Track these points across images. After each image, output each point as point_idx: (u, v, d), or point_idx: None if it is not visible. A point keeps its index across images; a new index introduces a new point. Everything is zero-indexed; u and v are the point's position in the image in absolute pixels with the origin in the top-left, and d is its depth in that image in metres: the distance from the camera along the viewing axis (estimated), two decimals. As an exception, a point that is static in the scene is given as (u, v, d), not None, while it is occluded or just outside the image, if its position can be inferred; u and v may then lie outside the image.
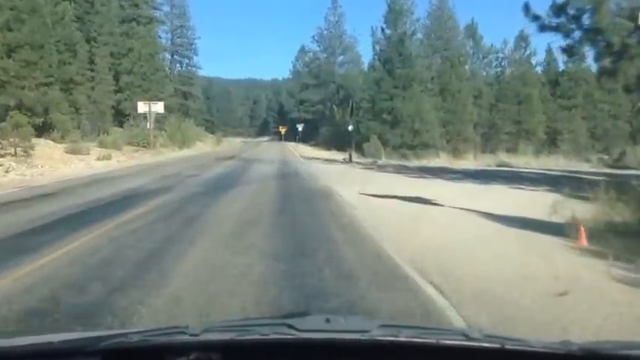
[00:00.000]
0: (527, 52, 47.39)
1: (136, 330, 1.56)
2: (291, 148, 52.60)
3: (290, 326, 1.42)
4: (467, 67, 46.27)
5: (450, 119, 39.63)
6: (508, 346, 1.40)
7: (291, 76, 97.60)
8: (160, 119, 44.64)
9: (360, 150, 41.08)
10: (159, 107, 39.62)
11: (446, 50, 55.57)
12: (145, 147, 35.57)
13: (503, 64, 49.38)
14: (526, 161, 32.67)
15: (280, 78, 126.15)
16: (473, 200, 12.01)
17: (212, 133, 78.72)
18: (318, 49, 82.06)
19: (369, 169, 23.90)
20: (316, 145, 64.06)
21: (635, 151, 34.28)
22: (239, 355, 1.39)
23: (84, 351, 1.38)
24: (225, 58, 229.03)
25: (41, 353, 1.42)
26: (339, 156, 35.86)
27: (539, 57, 67.13)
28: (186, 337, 1.40)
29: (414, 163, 32.28)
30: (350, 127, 30.15)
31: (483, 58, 49.25)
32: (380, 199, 12.11)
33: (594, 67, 64.25)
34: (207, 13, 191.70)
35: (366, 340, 1.40)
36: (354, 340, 1.40)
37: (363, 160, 34.97)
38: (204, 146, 53.47)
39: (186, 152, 39.28)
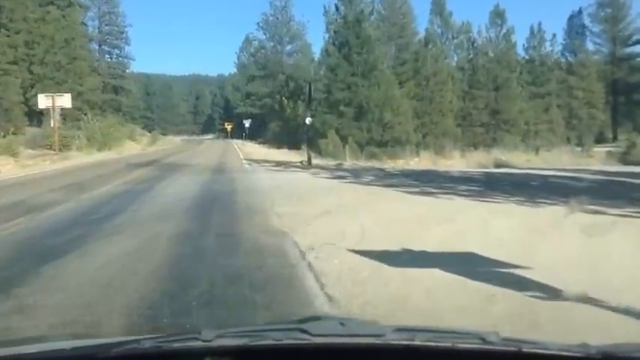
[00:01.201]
0: (504, 29, 41.19)
1: (148, 336, 1.50)
2: (236, 147, 45.08)
3: (304, 331, 1.39)
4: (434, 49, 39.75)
5: (426, 109, 32.93)
6: (525, 350, 1.36)
7: (237, 70, 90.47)
8: (78, 116, 38.55)
9: (315, 148, 34.27)
10: (65, 101, 31.57)
11: (401, 38, 49.59)
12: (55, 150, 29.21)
13: (476, 44, 43.28)
14: (526, 159, 26.34)
15: (227, 73, 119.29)
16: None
17: (150, 131, 72.49)
18: (263, 37, 74.86)
19: (340, 178, 16.67)
20: (265, 142, 57.70)
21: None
22: (253, 359, 1.34)
23: (95, 358, 1.33)
24: (169, 53, 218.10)
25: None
26: (293, 156, 28.68)
27: (519, 37, 61.75)
28: (198, 344, 1.36)
29: (390, 165, 25.36)
30: (308, 120, 22.88)
31: (453, 38, 42.95)
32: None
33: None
34: (146, 4, 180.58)
35: (381, 345, 1.37)
36: (369, 345, 1.37)
37: (323, 161, 27.80)
38: (135, 147, 46.07)
39: (102, 156, 31.52)
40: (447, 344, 1.39)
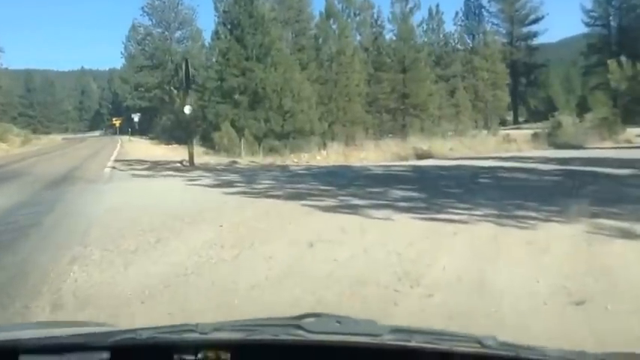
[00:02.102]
0: (410, 4, 37.86)
1: (145, 327, 1.50)
2: (117, 146, 38.87)
3: (300, 327, 1.39)
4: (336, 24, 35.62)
5: (330, 93, 28.73)
6: (522, 355, 1.35)
7: (125, 61, 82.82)
8: None
9: (209, 143, 29.38)
10: None
11: (297, 22, 45.58)
12: None
13: (380, 22, 39.88)
14: (449, 147, 22.81)
15: (119, 66, 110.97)
16: None
17: (34, 131, 67.07)
18: (150, 23, 68.01)
19: (227, 185, 12.00)
20: (155, 137, 51.80)
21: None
22: (248, 354, 1.34)
23: (92, 347, 1.33)
24: (55, 48, 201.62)
25: (48, 348, 1.33)
26: (179, 154, 23.48)
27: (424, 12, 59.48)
28: (195, 336, 1.37)
29: (294, 160, 20.93)
30: (187, 109, 17.91)
31: (355, 15, 39.14)
32: None
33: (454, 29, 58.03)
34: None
35: (377, 345, 1.35)
36: (365, 344, 1.37)
37: (215, 158, 22.93)
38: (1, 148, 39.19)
39: None
40: (444, 347, 1.36)
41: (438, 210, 8.10)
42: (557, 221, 7.10)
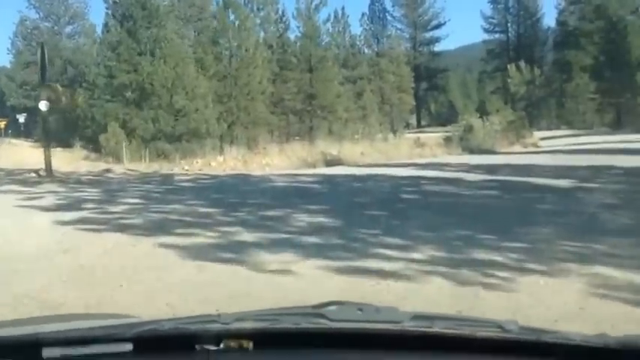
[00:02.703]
0: (316, 0, 35.27)
1: (167, 318, 1.55)
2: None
3: (322, 316, 1.38)
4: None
5: (230, 91, 25.52)
6: (544, 339, 1.33)
7: (13, 57, 74.80)
8: None
9: (97, 146, 25.47)
10: None
11: (200, 21, 42.18)
12: None
13: (285, 19, 37.11)
14: (360, 152, 20.33)
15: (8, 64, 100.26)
16: None
17: None
18: (37, 16, 61.28)
19: (74, 207, 8.75)
20: (39, 140, 46.09)
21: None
22: (270, 343, 1.31)
23: (115, 338, 1.30)
24: None
25: (70, 340, 1.30)
26: (56, 159, 19.41)
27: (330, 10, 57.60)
28: (217, 326, 1.35)
29: (184, 168, 17.66)
30: (42, 105, 14.24)
31: (259, 10, 36.11)
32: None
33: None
34: None
35: (398, 331, 1.34)
36: (386, 331, 1.35)
37: (91, 165, 19.24)
38: None
39: None
40: (465, 332, 1.34)
41: (360, 251, 5.42)
42: (538, 272, 4.64)
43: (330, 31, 39.46)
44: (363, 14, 58.09)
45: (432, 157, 20.22)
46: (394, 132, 50.81)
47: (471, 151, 21.90)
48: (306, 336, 1.34)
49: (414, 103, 58.37)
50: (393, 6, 62.73)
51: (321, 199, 9.24)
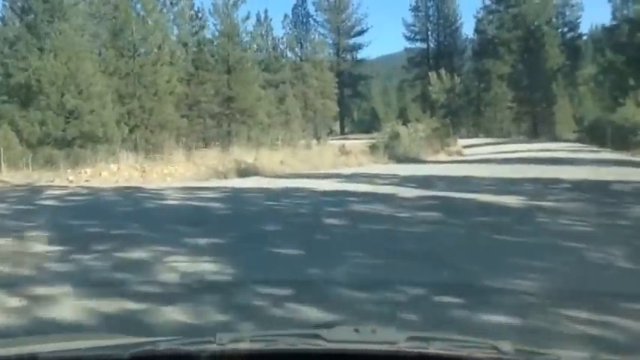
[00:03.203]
0: (235, -3, 32.67)
1: (163, 339, 1.54)
2: None
3: (318, 336, 1.36)
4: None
5: (133, 90, 22.40)
6: None
7: None
8: None
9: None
10: None
11: (115, 19, 38.51)
12: None
13: (202, 15, 34.31)
14: (280, 160, 17.89)
15: None
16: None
17: None
18: None
19: None
20: None
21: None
22: None
23: (111, 359, 1.33)
24: None
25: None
26: None
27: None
28: (213, 347, 1.34)
29: (67, 178, 14.58)
30: None
31: (172, 4, 33.14)
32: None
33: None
34: None
35: (394, 352, 1.31)
36: (382, 352, 1.33)
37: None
38: None
39: None
40: (462, 353, 1.32)
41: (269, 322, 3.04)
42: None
43: (250, 30, 36.83)
44: (285, 16, 56.11)
45: (358, 166, 18.20)
46: (318, 138, 49.09)
47: (398, 160, 20.09)
48: (302, 357, 1.33)
49: (338, 110, 56.88)
50: (316, 10, 61.09)
51: (216, 228, 6.80)
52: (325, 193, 10.37)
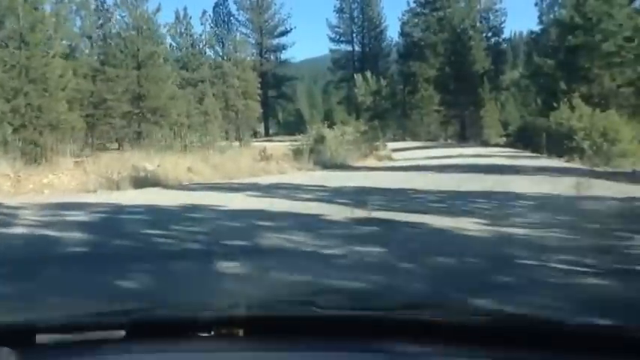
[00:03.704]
0: (147, -12, 29.37)
1: (161, 305, 1.52)
2: None
3: (313, 303, 1.39)
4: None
5: (19, 85, 18.81)
6: (538, 326, 1.32)
7: None
8: None
9: None
10: None
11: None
12: None
13: (107, 6, 30.72)
14: (187, 167, 15.06)
15: None
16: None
17: None
18: None
19: None
20: None
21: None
22: (262, 330, 1.31)
23: (108, 324, 1.29)
24: None
25: (65, 327, 1.28)
26: None
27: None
28: (210, 313, 1.36)
29: None
30: None
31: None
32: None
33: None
34: None
35: (389, 318, 1.33)
36: (375, 317, 1.34)
37: None
38: None
39: None
40: (456, 320, 1.34)
41: None
42: None
43: (163, 23, 33.51)
44: (204, 12, 52.88)
45: (280, 173, 15.76)
46: (240, 140, 46.32)
47: (324, 166, 17.83)
48: (296, 323, 1.32)
49: (262, 111, 54.22)
50: (238, 10, 58.24)
51: (53, 281, 4.19)
52: (232, 214, 7.88)
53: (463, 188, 10.71)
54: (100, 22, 31.51)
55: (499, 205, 8.63)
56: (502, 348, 1.20)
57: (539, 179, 12.39)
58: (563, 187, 10.63)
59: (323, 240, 6.05)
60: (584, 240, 6.01)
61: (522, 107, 49.58)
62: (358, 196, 9.72)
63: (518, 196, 9.46)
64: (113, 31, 31.78)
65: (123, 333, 1.24)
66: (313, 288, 2.64)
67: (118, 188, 12.58)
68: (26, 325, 1.31)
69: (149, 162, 15.67)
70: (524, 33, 75.60)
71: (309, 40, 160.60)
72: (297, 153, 18.91)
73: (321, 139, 20.78)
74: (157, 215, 8.07)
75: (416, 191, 10.51)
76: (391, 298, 1.70)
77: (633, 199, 9.02)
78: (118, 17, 30.93)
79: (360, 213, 7.81)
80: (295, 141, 21.92)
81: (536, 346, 1.19)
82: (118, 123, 31.30)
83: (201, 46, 46.75)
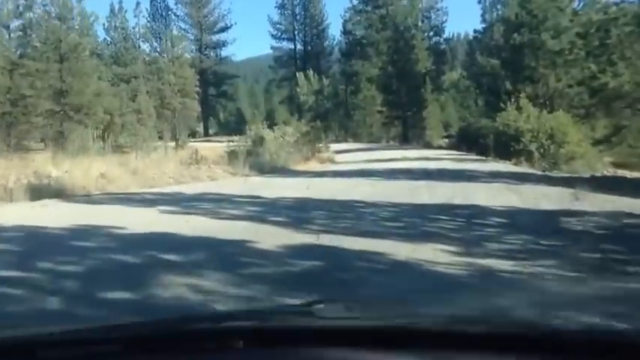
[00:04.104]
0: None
1: (158, 318, 1.49)
2: None
3: (310, 313, 1.39)
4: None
5: None
6: (542, 331, 1.31)
7: None
8: None
9: None
10: None
11: None
12: None
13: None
14: (100, 172, 12.78)
15: None
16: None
17: None
18: None
19: None
20: None
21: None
22: (260, 341, 1.28)
23: (107, 339, 1.28)
24: None
25: (64, 342, 1.28)
26: None
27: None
28: (207, 325, 1.37)
29: None
30: None
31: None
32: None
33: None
34: None
35: (386, 327, 1.32)
36: (373, 327, 1.32)
37: None
38: None
39: None
40: (453, 329, 1.31)
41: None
42: None
43: (88, 12, 30.63)
44: (137, 3, 49.90)
45: (210, 179, 13.79)
46: (176, 140, 43.72)
47: (262, 170, 15.96)
48: (295, 333, 1.30)
49: (201, 110, 51.64)
50: (176, 4, 55.43)
51: None
52: (130, 241, 5.94)
53: (418, 200, 9.15)
54: (20, 10, 28.34)
55: (465, 223, 7.07)
56: (497, 357, 1.19)
57: (498, 187, 10.99)
58: (528, 197, 9.26)
59: (244, 287, 4.26)
60: (592, 278, 4.50)
61: (461, 109, 49.37)
62: (298, 212, 7.95)
63: (483, 211, 7.95)
64: (34, 20, 28.75)
65: (121, 347, 1.23)
66: (314, 298, 2.18)
67: (10, 200, 10.33)
68: (27, 340, 1.31)
69: (56, 167, 13.36)
70: (462, 35, 76.45)
71: (252, 38, 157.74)
72: (232, 156, 16.94)
73: (259, 141, 18.92)
74: (29, 243, 6.04)
75: (365, 204, 8.85)
76: (391, 309, 1.48)
77: (624, 214, 7.66)
78: (40, 5, 27.94)
79: (298, 238, 6.06)
80: (230, 141, 19.93)
81: (535, 354, 1.18)
82: (40, 122, 28.39)
83: (134, 40, 43.90)
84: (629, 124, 18.47)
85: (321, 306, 1.45)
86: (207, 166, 16.07)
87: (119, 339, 1.25)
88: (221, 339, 1.26)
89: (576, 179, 12.42)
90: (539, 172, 16.24)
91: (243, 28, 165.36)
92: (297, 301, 3.90)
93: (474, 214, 7.72)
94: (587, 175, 14.54)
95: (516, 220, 7.24)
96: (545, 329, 1.34)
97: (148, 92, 40.24)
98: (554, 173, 16.05)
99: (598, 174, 15.25)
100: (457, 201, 8.90)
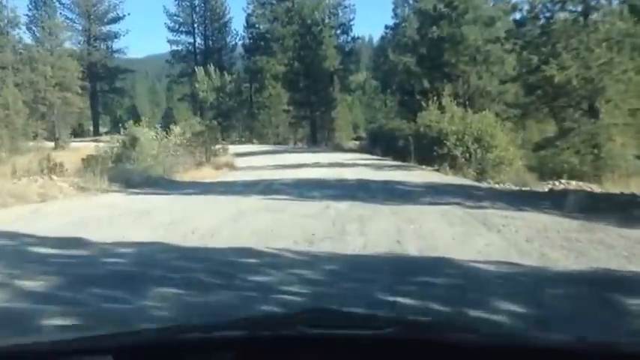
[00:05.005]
0: None
1: (148, 328, 1.47)
2: None
3: (304, 322, 1.30)
4: None
5: None
6: (530, 344, 1.29)
7: None
8: None
9: None
10: None
11: None
12: None
13: None
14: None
15: None
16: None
17: None
18: None
19: None
20: None
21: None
22: (252, 351, 1.26)
23: (97, 349, 1.24)
24: None
25: (53, 352, 1.25)
26: None
27: None
28: (198, 335, 1.32)
29: None
30: None
31: None
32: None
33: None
34: None
35: (382, 337, 1.26)
36: (369, 337, 1.27)
37: None
38: None
39: None
40: (448, 339, 1.28)
41: None
42: None
43: None
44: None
45: (39, 200, 9.27)
46: (56, 140, 37.73)
47: (129, 183, 11.53)
48: (288, 342, 1.27)
49: (84, 105, 45.31)
50: (60, -9, 48.30)
51: None
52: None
53: (352, 243, 5.48)
54: None
55: (419, 285, 3.46)
56: None
57: (455, 215, 7.49)
58: (519, 238, 5.85)
59: None
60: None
61: (368, 110, 46.99)
62: (143, 288, 3.96)
63: (465, 273, 4.37)
64: None
65: (110, 358, 1.20)
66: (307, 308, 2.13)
67: None
68: (16, 350, 1.28)
69: None
70: (367, 39, 74.74)
71: (155, 34, 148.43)
72: (89, 164, 12.39)
73: (133, 142, 14.48)
74: None
75: (273, 255, 5.03)
76: (386, 318, 1.55)
77: None
78: None
79: None
80: (95, 140, 15.36)
81: None
82: None
83: (1, 27, 37.08)
84: (577, 125, 16.06)
85: (314, 315, 1.38)
86: (64, 179, 11.48)
87: (107, 349, 1.21)
88: (212, 349, 1.22)
89: (538, 195, 9.33)
90: (477, 183, 13.24)
91: (145, 22, 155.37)
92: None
93: (452, 283, 4.11)
94: (540, 188, 11.65)
95: (514, 289, 3.71)
96: (536, 341, 1.31)
97: (17, 85, 33.91)
98: (496, 184, 13.09)
99: (550, 185, 12.43)
100: (412, 251, 5.29)
